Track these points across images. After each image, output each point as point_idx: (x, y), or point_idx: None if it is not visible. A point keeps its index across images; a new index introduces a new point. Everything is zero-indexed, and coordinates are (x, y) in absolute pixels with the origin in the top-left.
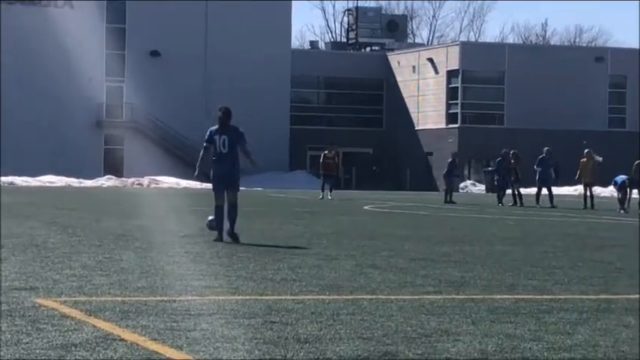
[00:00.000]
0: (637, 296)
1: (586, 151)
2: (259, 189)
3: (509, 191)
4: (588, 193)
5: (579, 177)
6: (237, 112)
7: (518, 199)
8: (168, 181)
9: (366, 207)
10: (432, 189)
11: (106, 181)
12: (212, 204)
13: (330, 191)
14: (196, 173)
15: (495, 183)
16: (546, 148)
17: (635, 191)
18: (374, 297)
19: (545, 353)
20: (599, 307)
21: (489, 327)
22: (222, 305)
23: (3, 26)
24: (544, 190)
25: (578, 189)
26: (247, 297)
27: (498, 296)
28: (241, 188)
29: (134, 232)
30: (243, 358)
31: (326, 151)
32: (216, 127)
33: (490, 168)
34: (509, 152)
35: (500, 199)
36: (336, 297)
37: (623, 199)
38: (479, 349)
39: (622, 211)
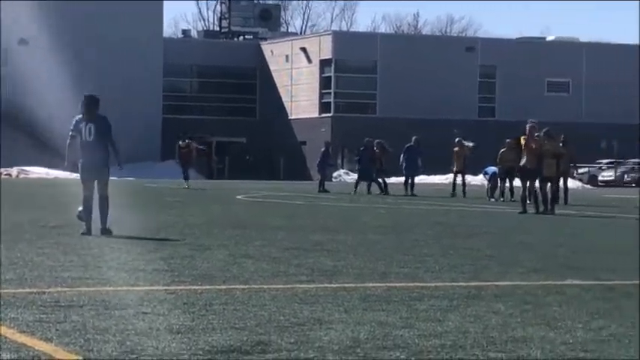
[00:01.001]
0: (506, 283)
1: (457, 139)
2: (131, 179)
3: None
4: (459, 181)
5: (453, 165)
6: (108, 101)
7: (384, 188)
8: (38, 172)
9: (239, 196)
10: (305, 178)
11: None
12: (82, 194)
13: (186, 180)
14: (65, 164)
15: (357, 172)
16: (414, 137)
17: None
18: (247, 287)
19: (417, 340)
20: (470, 294)
21: (362, 315)
22: (92, 297)
23: None
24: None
25: (449, 177)
26: (119, 288)
27: (370, 284)
28: (112, 178)
29: (2, 223)
30: (114, 349)
31: (180, 142)
32: (81, 115)
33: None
34: (372, 141)
35: (321, 186)
36: (208, 287)
37: (493, 189)
38: (351, 337)
39: (492, 200)
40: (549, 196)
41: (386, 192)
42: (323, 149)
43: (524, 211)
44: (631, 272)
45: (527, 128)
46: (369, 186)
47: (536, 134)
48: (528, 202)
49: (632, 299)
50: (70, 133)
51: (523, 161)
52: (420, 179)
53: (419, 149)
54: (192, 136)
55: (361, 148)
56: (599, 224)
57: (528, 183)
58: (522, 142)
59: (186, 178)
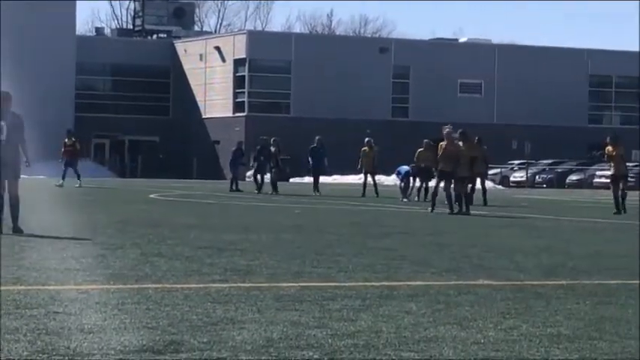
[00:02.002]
0: (418, 283)
1: (366, 140)
2: (42, 177)
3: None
4: (370, 181)
5: (360, 166)
6: (20, 99)
7: (274, 188)
8: None
9: (152, 195)
10: (218, 177)
11: None
12: None
13: (78, 178)
14: None
15: (253, 171)
16: (317, 137)
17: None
18: (159, 286)
19: (330, 340)
20: (382, 293)
21: (275, 315)
22: (3, 296)
23: None
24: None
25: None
26: (29, 287)
27: (284, 284)
28: (22, 176)
29: None
30: (25, 349)
31: (65, 139)
32: None
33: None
34: (268, 140)
35: (233, 185)
36: (121, 286)
37: (406, 188)
38: (264, 336)
39: (405, 200)
40: (463, 197)
41: (275, 191)
42: (234, 148)
43: (433, 210)
44: (539, 272)
45: (445, 133)
46: (259, 185)
47: (454, 137)
48: (446, 202)
49: (542, 299)
50: None
51: (440, 165)
52: (333, 179)
53: (322, 149)
54: (78, 135)
55: (257, 147)
56: (511, 224)
57: (443, 184)
58: (441, 146)
59: (64, 177)
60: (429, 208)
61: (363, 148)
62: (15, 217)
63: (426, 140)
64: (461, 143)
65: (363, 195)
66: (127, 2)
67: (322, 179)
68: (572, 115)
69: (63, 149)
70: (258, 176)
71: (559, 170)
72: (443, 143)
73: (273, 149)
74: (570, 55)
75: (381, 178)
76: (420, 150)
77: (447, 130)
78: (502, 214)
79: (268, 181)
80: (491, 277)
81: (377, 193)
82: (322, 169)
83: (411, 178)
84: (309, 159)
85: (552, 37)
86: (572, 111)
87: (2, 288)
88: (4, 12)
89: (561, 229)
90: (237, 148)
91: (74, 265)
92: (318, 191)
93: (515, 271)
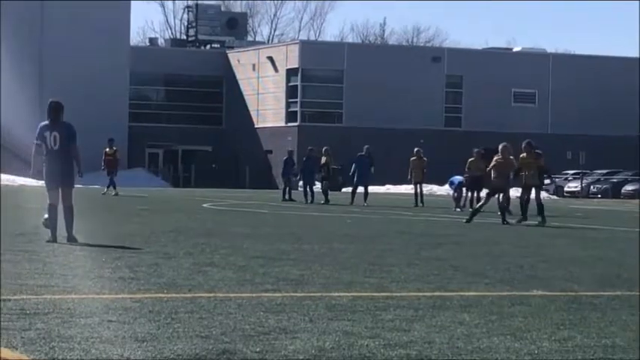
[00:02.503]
0: (471, 293)
1: (416, 150)
2: (97, 186)
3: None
4: (418, 190)
5: (410, 176)
6: (75, 109)
7: (325, 197)
8: (4, 178)
9: (205, 205)
10: (271, 187)
11: None
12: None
13: (114, 187)
14: (32, 171)
15: (298, 180)
16: (366, 146)
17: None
18: (212, 295)
19: (382, 350)
20: (435, 304)
21: (327, 324)
22: (58, 304)
23: None
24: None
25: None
26: (84, 296)
27: (336, 294)
28: (77, 186)
29: None
30: (79, 357)
31: (107, 149)
32: (46, 122)
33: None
34: (315, 150)
35: (285, 195)
36: (174, 295)
37: (459, 198)
38: (316, 346)
39: (458, 210)
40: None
41: (327, 200)
42: (285, 158)
43: (505, 222)
44: (594, 282)
45: (500, 149)
46: (285, 192)
47: (510, 155)
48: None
49: (597, 310)
50: (35, 141)
51: (494, 179)
52: (386, 189)
53: (370, 158)
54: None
55: (304, 158)
56: (565, 235)
57: (499, 196)
58: (497, 161)
59: (110, 185)
60: (501, 220)
61: (412, 158)
62: (69, 226)
63: (476, 149)
64: (525, 154)
65: (416, 205)
66: (181, 13)
67: (373, 189)
68: (628, 124)
69: (104, 158)
70: (307, 187)
71: (614, 180)
72: (498, 157)
73: (324, 159)
74: (624, 63)
75: (433, 188)
76: (470, 159)
77: (503, 146)
78: (556, 225)
79: (319, 190)
80: (545, 288)
81: (422, 202)
82: (368, 178)
83: (464, 189)
84: (354, 167)
85: (606, 46)
86: (627, 120)
87: (57, 297)
88: (58, 23)
89: (616, 239)
90: (288, 158)
91: (128, 274)
92: (364, 200)
93: (570, 281)
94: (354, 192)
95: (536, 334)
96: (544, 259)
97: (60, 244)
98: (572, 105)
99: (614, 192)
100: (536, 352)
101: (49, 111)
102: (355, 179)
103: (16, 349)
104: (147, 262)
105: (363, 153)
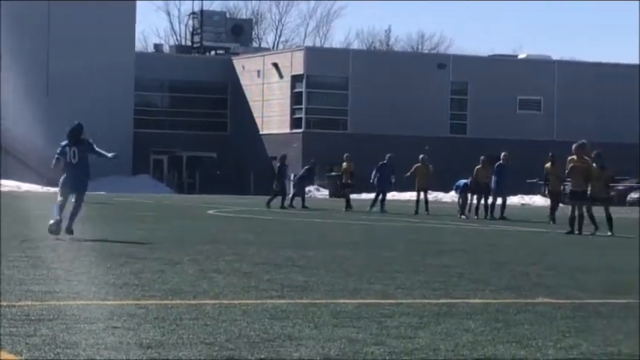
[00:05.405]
0: (477, 300)
1: (421, 157)
2: (102, 193)
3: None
4: (422, 197)
5: (414, 183)
6: (80, 115)
7: (347, 204)
8: (9, 185)
9: (209, 211)
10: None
11: None
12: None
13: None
14: (45, 181)
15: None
16: (388, 155)
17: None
18: (217, 302)
19: (387, 357)
20: (440, 311)
21: (332, 331)
22: (62, 311)
23: None
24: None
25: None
26: (88, 302)
27: (341, 301)
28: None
29: None
30: None
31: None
32: (66, 142)
33: (333, 173)
34: (316, 162)
35: (271, 202)
36: (179, 302)
37: (463, 204)
38: (321, 353)
39: (463, 216)
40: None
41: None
42: (279, 164)
43: (572, 232)
44: (600, 290)
45: (574, 148)
46: (382, 200)
47: (585, 156)
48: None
49: (602, 318)
50: (56, 156)
51: (572, 185)
52: (391, 195)
53: (392, 167)
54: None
55: (305, 167)
56: (570, 242)
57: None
58: (574, 163)
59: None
60: (576, 232)
61: (416, 165)
62: (72, 217)
63: (483, 157)
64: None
65: (416, 212)
66: (186, 19)
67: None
68: (633, 131)
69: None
70: (294, 196)
71: (620, 188)
72: (573, 158)
73: (345, 164)
74: (630, 71)
75: (439, 195)
76: (477, 167)
77: (578, 144)
78: (561, 231)
79: (326, 197)
80: (551, 295)
81: (427, 210)
82: (389, 186)
83: (469, 195)
84: (376, 175)
85: (611, 53)
86: (632, 128)
87: (62, 303)
88: (63, 30)
89: (620, 246)
90: (282, 164)
91: (133, 280)
92: (382, 209)
93: (575, 289)
94: (376, 199)
95: (541, 342)
96: (549, 266)
97: (65, 248)
98: (578, 112)
99: (620, 199)
100: (541, 359)
101: (70, 134)
102: (377, 186)
103: (21, 354)
104: (152, 268)
105: (385, 161)
